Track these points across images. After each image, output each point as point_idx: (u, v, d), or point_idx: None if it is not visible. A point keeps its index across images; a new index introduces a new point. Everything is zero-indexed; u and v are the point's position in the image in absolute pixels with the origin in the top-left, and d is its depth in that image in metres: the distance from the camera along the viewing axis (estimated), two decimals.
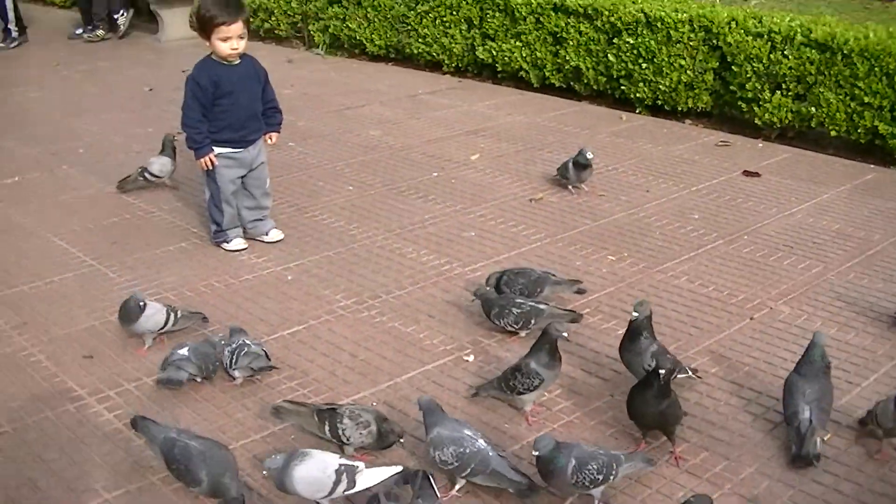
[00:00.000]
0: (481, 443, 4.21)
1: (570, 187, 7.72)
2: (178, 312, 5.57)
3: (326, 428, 4.41)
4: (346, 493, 4.04)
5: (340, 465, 4.03)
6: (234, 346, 5.07)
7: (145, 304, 5.44)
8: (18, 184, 8.44)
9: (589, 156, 7.53)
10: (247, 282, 6.33)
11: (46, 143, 9.65)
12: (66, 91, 12.21)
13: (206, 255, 6.76)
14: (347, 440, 4.37)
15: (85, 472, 4.43)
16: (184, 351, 5.08)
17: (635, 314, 4.80)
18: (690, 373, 4.94)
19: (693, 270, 6.33)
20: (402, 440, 4.45)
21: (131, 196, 7.91)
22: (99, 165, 8.84)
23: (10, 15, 14.89)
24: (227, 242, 6.80)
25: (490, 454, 4.18)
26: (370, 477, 4.05)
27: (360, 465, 4.07)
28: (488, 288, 5.76)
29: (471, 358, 5.28)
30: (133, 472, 4.38)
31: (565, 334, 4.70)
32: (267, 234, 6.91)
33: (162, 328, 5.49)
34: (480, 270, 6.26)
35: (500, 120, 9.97)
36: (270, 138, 6.88)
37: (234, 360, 5.02)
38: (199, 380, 5.07)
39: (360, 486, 4.02)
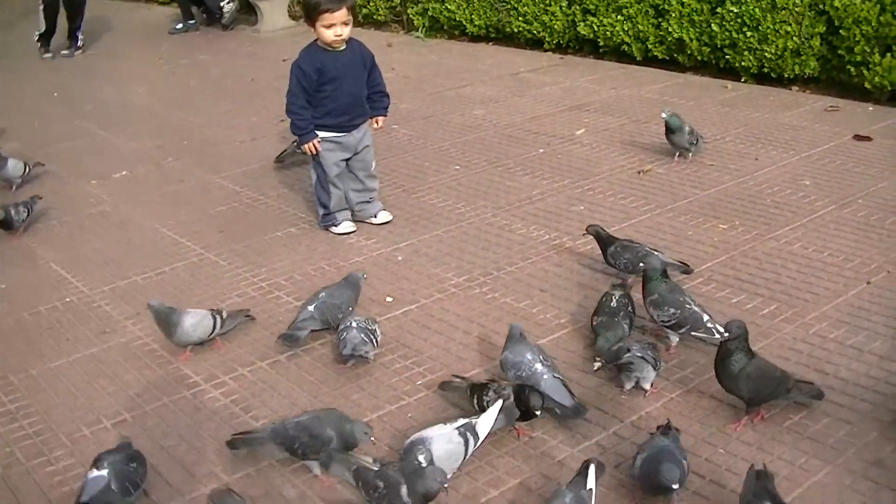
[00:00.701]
0: (538, 366, 4.49)
1: (675, 156, 7.63)
2: (224, 314, 5.46)
3: (475, 401, 4.48)
4: (478, 446, 4.17)
5: (459, 428, 4.15)
6: (341, 328, 5.09)
7: (180, 313, 5.32)
8: (127, 178, 8.57)
9: (663, 116, 7.47)
10: (357, 264, 6.32)
11: (152, 136, 9.82)
12: (170, 85, 12.44)
13: (314, 239, 6.79)
14: None
15: (204, 456, 4.47)
16: (311, 308, 5.28)
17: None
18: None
19: (806, 236, 6.21)
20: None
21: (237, 184, 8.00)
22: (203, 157, 8.97)
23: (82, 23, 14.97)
24: (336, 226, 6.82)
25: (544, 377, 4.45)
26: (485, 422, 4.20)
27: (473, 418, 4.21)
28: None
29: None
30: (251, 455, 4.39)
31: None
32: (375, 216, 6.92)
33: (211, 334, 5.37)
34: (591, 244, 6.13)
35: (603, 94, 9.89)
36: (377, 122, 6.89)
37: (339, 345, 5.06)
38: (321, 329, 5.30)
39: (482, 435, 4.17)
